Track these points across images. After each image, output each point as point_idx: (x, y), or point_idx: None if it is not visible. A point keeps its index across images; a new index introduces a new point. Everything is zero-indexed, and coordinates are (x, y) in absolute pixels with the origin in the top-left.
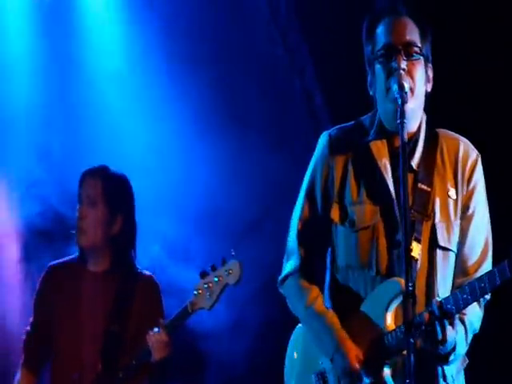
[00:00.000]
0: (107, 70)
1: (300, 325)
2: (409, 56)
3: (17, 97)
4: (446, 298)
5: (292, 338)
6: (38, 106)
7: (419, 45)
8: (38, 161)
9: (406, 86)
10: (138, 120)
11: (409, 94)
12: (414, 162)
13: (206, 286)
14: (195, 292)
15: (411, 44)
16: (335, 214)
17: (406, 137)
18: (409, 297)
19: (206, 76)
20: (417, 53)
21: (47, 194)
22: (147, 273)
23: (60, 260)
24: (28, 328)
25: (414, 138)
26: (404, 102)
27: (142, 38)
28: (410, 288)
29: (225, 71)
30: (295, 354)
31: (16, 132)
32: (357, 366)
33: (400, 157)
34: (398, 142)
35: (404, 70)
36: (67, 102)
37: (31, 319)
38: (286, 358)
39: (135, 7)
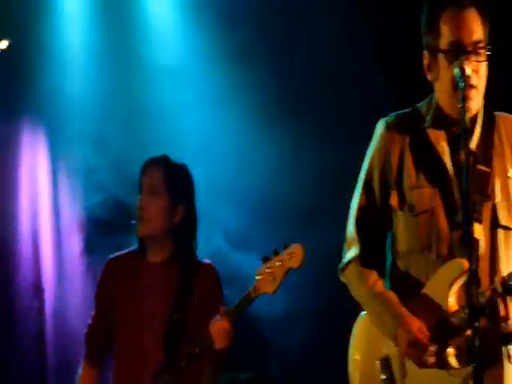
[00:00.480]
0: (166, 61)
1: (362, 313)
2: (477, 55)
3: (76, 86)
4: (510, 274)
5: (355, 325)
6: (98, 95)
7: (485, 41)
8: (96, 150)
9: (474, 83)
10: (197, 110)
11: (473, 90)
12: (473, 144)
13: (268, 270)
14: (257, 277)
15: (479, 42)
16: (394, 199)
17: (469, 121)
18: (472, 277)
19: (265, 68)
20: (484, 49)
21: (106, 183)
22: (207, 261)
23: (120, 252)
24: (89, 322)
25: (473, 120)
26: (468, 86)
27: (202, 31)
28: (474, 268)
29: (284, 62)
30: (358, 342)
31: (74, 122)
32: (421, 335)
33: (461, 138)
34: (455, 127)
35: (468, 72)
36: (126, 92)
37: (92, 313)
38: (349, 346)
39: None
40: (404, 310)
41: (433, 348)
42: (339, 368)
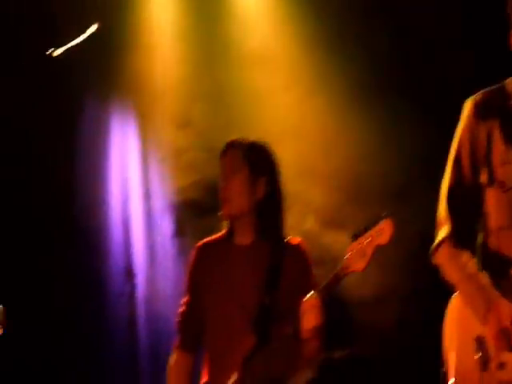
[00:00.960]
0: (254, 46)
1: (456, 293)
2: None
3: (164, 71)
4: None
5: (449, 305)
6: (185, 80)
7: None
8: (185, 133)
9: None
10: (284, 94)
11: None
12: None
13: (357, 247)
14: (347, 255)
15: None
16: (484, 176)
17: None
18: None
19: (353, 50)
20: None
21: (197, 164)
22: (296, 240)
23: (208, 238)
24: (181, 309)
25: None
26: None
27: (290, 17)
28: None
29: (372, 44)
30: (453, 321)
31: (163, 105)
32: (510, 324)
33: None
34: None
35: None
36: (214, 76)
37: (184, 299)
38: (443, 325)
39: None
40: (495, 293)
41: None
42: (433, 348)
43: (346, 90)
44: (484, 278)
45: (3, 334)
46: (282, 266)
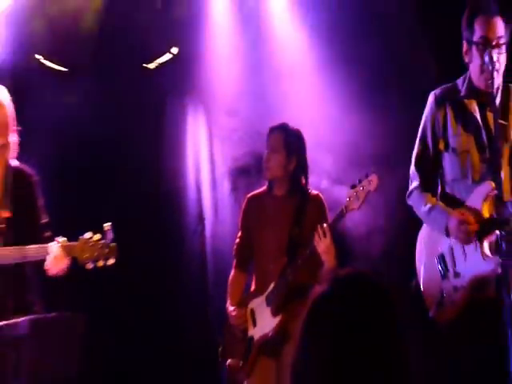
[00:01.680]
0: (287, 59)
1: (424, 225)
2: (499, 48)
3: (223, 77)
4: None
5: (419, 235)
6: (238, 83)
7: (506, 38)
8: (236, 118)
9: (496, 67)
10: (307, 93)
11: (495, 72)
12: (497, 105)
13: (354, 193)
14: (347, 198)
15: (501, 39)
16: (441, 145)
17: (494, 90)
18: (498, 193)
19: (359, 65)
20: (504, 44)
21: (246, 140)
22: (315, 192)
23: (254, 192)
24: (237, 241)
25: (495, 91)
26: (494, 69)
27: (316, 37)
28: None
29: (373, 54)
30: (421, 245)
31: (222, 99)
32: (467, 217)
33: (490, 102)
34: (482, 96)
35: (495, 59)
36: (259, 76)
37: (238, 234)
38: (415, 251)
39: (314, 10)
40: (452, 210)
41: (474, 237)
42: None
43: (351, 89)
44: (442, 204)
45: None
46: (306, 209)
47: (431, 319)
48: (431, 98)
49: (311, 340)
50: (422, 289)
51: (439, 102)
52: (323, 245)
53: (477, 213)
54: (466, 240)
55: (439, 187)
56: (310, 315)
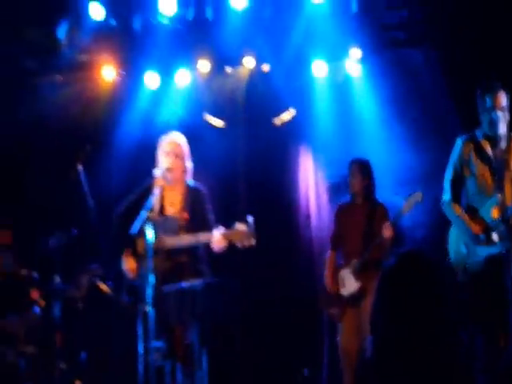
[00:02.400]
0: (358, 104)
1: (452, 225)
2: (503, 111)
3: (321, 121)
4: None
5: (449, 233)
6: (331, 129)
7: (507, 103)
8: (329, 151)
9: (501, 121)
10: (380, 138)
11: (500, 125)
12: (503, 147)
13: (407, 202)
14: (403, 205)
15: (504, 106)
16: (466, 172)
17: (500, 136)
18: (503, 203)
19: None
20: (506, 108)
21: (336, 168)
22: (380, 201)
23: (342, 201)
24: (331, 234)
25: (503, 137)
26: (498, 126)
27: (381, 99)
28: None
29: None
30: (452, 237)
31: (318, 140)
32: (478, 230)
33: (497, 145)
34: (492, 139)
35: (500, 118)
36: (347, 126)
37: (333, 228)
38: (448, 242)
39: (379, 82)
40: (470, 221)
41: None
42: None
43: (404, 134)
44: (465, 215)
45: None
46: (375, 212)
47: (458, 281)
48: (459, 140)
49: (384, 297)
50: (452, 263)
51: (464, 143)
52: (387, 235)
53: (481, 222)
54: (481, 242)
55: (464, 200)
56: (383, 280)
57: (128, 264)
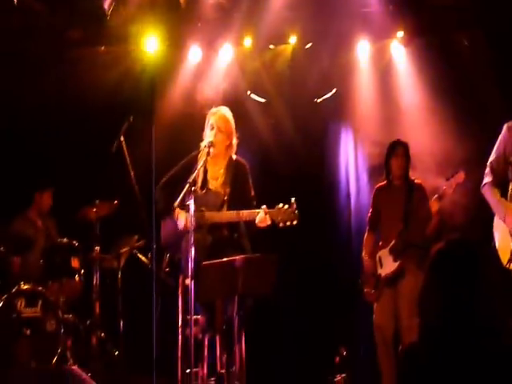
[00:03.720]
0: (404, 95)
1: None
2: None
3: (366, 109)
4: None
5: (494, 220)
6: (372, 110)
7: None
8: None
9: None
10: (422, 122)
11: None
12: None
13: (447, 183)
14: (444, 187)
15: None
16: (510, 159)
17: None
18: None
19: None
20: None
21: (376, 148)
22: (418, 181)
23: (380, 183)
24: (369, 213)
25: None
26: None
27: (424, 84)
28: None
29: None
30: (497, 221)
31: (360, 123)
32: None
33: None
34: None
35: None
36: (388, 108)
37: (370, 209)
38: (493, 228)
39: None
40: (509, 206)
41: None
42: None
43: (448, 118)
44: (502, 203)
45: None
46: (413, 193)
47: (504, 266)
48: (505, 126)
49: (433, 282)
50: (498, 248)
51: (511, 130)
52: (425, 217)
53: None
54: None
55: (510, 186)
56: (432, 264)
57: (183, 219)
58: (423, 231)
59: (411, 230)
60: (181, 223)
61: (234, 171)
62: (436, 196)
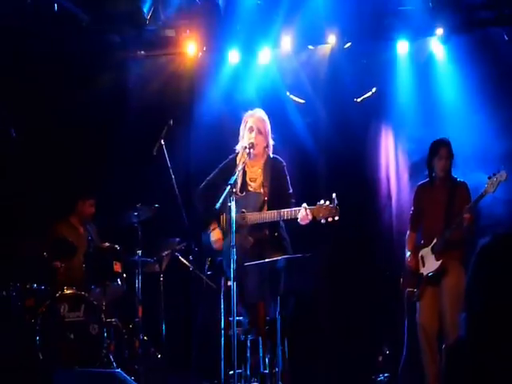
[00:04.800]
0: (444, 92)
1: None
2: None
3: (405, 108)
4: None
5: None
6: (411, 108)
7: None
8: (412, 136)
9: None
10: (463, 119)
11: None
12: None
13: (491, 182)
14: (486, 185)
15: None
16: None
17: None
18: None
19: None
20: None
21: (416, 148)
22: (461, 180)
23: (422, 182)
24: (411, 212)
25: None
26: None
27: (465, 80)
28: None
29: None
30: None
31: (400, 120)
32: None
33: None
34: None
35: None
36: (428, 105)
37: (412, 208)
38: None
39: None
40: None
41: None
42: None
43: (490, 117)
44: None
45: None
46: (456, 192)
47: None
48: None
49: (480, 275)
50: None
51: None
52: (467, 215)
53: None
54: None
55: None
56: (479, 257)
57: (215, 235)
58: (465, 230)
59: (453, 229)
60: (213, 238)
61: (271, 169)
62: (478, 196)
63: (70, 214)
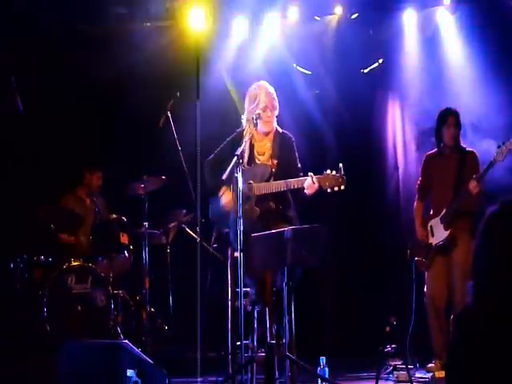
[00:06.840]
0: (453, 61)
1: None
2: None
3: (414, 80)
4: None
5: None
6: (419, 79)
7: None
8: (420, 105)
9: None
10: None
11: None
12: None
13: (499, 150)
14: (495, 154)
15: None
16: None
17: None
18: None
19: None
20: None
21: (423, 117)
22: (470, 149)
23: (430, 151)
24: (418, 182)
25: None
26: None
27: (471, 50)
28: None
29: None
30: None
31: (406, 90)
32: None
33: None
34: None
35: None
36: (435, 76)
37: (420, 178)
38: None
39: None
40: None
41: None
42: None
43: (494, 85)
44: None
45: None
46: (465, 161)
47: None
48: None
49: (488, 242)
50: None
51: None
52: (473, 184)
53: None
54: None
55: None
56: (487, 224)
57: (226, 198)
58: (474, 199)
59: (462, 199)
60: (223, 200)
61: (280, 144)
62: (487, 165)
63: (77, 186)
